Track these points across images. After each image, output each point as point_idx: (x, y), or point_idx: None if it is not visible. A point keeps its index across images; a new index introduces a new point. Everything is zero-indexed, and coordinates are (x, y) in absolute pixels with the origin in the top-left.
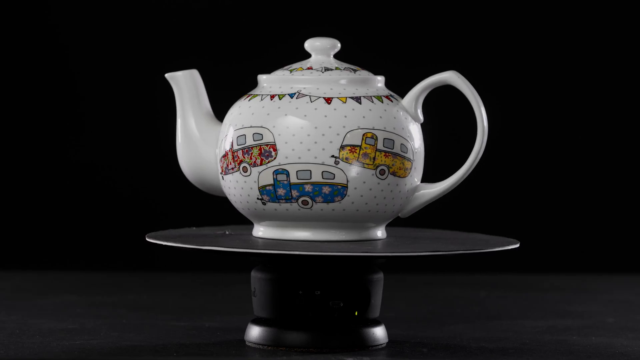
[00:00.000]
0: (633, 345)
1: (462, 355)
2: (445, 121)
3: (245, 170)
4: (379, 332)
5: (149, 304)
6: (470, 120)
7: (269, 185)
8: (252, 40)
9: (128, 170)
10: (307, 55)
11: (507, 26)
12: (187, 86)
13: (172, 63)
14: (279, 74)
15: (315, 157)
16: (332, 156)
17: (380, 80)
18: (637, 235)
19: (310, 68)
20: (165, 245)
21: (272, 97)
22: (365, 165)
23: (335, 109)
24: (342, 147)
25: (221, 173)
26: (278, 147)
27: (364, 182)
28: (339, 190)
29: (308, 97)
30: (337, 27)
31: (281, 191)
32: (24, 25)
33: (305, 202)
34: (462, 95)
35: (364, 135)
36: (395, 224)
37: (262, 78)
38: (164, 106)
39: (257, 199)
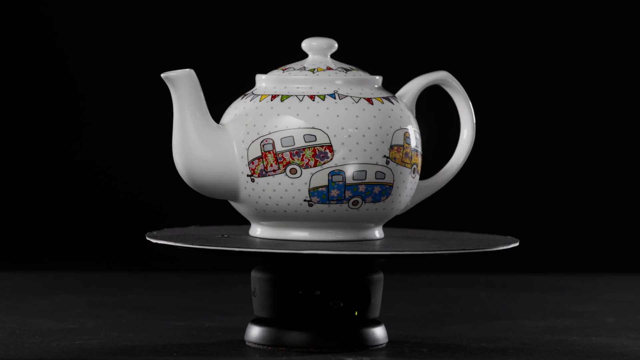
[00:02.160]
0: (633, 345)
1: (462, 355)
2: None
3: (293, 172)
4: (379, 332)
5: (149, 304)
6: (446, 120)
7: (322, 186)
8: (247, 40)
9: (128, 170)
10: (301, 56)
11: (503, 26)
12: (183, 86)
13: (170, 63)
14: (301, 75)
15: (371, 158)
16: (384, 156)
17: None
18: (637, 235)
19: (329, 68)
20: (165, 245)
21: (312, 97)
22: (406, 165)
23: (379, 110)
24: (392, 147)
25: (251, 175)
26: (334, 148)
27: (404, 181)
28: (386, 190)
29: (349, 97)
30: (319, 27)
31: (335, 192)
32: (23, 25)
33: (355, 203)
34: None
35: (404, 134)
36: (392, 224)
37: (283, 78)
38: (164, 106)
39: (305, 200)
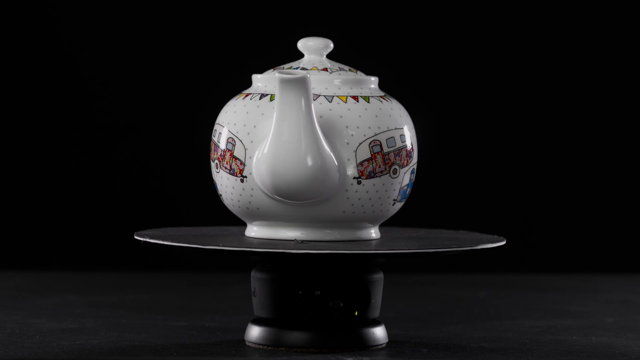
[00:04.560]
0: (633, 345)
1: (462, 355)
2: None
3: (395, 172)
4: (379, 332)
5: (149, 304)
6: None
7: (405, 185)
8: (243, 40)
9: (128, 170)
10: (296, 57)
11: (500, 25)
12: (300, 90)
13: (168, 63)
14: (351, 75)
15: (417, 156)
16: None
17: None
18: (637, 235)
19: (357, 70)
20: (164, 245)
21: (382, 97)
22: None
23: (407, 110)
24: None
25: (358, 177)
26: (413, 147)
27: None
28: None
29: (392, 99)
30: (320, 27)
31: (409, 190)
32: (26, 23)
33: (405, 200)
34: None
35: None
36: (383, 223)
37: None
38: (166, 104)
39: (393, 199)
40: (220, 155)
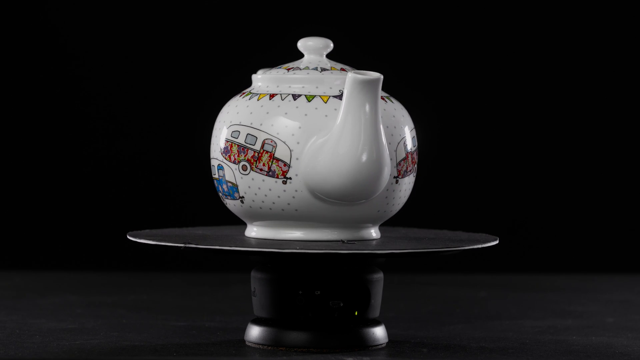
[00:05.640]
0: (633, 345)
1: (462, 355)
2: None
3: (415, 170)
4: (379, 332)
5: (149, 304)
6: None
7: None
8: (242, 40)
9: (127, 170)
10: (296, 56)
11: (501, 25)
12: (375, 90)
13: (166, 63)
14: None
15: None
16: None
17: None
18: (637, 235)
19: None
20: (164, 246)
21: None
22: None
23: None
24: None
25: (397, 176)
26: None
27: None
28: None
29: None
30: (320, 26)
31: None
32: (25, 22)
33: None
34: None
35: None
36: (382, 223)
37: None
38: (166, 104)
39: (407, 198)
40: (254, 157)
